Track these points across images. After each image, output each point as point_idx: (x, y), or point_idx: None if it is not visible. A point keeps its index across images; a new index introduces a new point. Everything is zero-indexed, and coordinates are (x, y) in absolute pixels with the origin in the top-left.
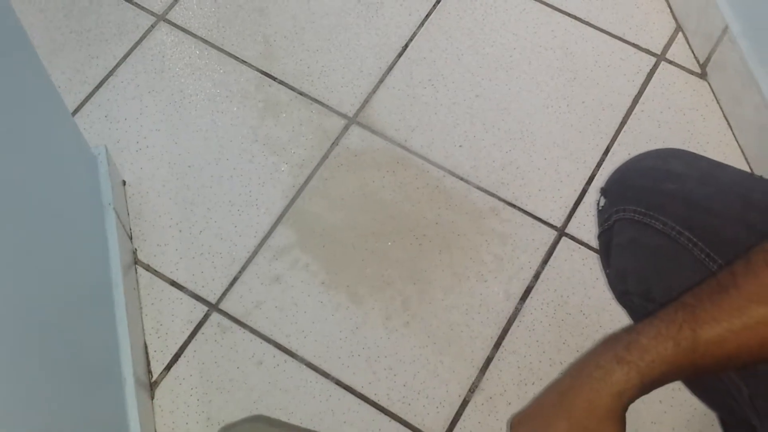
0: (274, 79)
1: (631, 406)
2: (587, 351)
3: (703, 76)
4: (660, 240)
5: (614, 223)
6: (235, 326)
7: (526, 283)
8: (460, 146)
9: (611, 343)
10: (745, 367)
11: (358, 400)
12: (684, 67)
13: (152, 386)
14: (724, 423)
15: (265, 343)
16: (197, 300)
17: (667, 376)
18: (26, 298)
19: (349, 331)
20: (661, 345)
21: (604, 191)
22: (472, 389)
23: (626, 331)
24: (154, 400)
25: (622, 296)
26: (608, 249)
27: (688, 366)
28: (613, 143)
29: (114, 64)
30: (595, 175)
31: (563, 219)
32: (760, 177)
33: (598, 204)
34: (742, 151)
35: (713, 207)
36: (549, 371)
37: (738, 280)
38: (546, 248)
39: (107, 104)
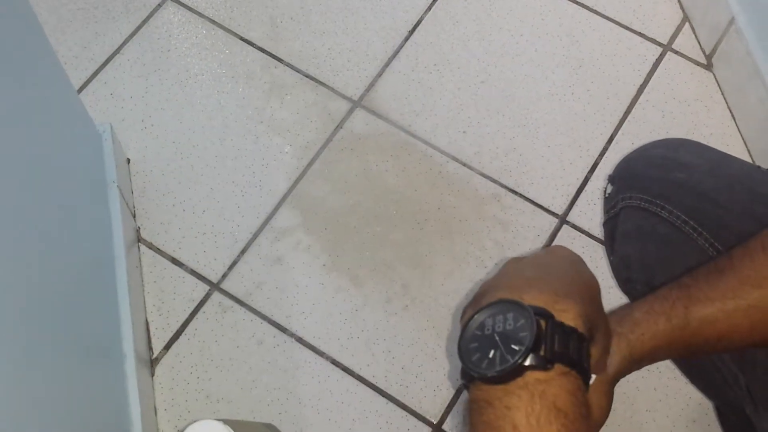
0: (280, 60)
1: (627, 394)
2: None
3: (708, 67)
4: (665, 228)
5: (620, 210)
6: (236, 306)
7: None
8: (464, 132)
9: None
10: (735, 349)
11: (356, 382)
12: (690, 57)
13: (152, 363)
14: (719, 412)
15: (265, 323)
16: (199, 279)
17: (658, 352)
18: (28, 273)
19: (348, 314)
20: (652, 320)
21: (612, 178)
22: None
23: (622, 307)
24: (154, 377)
25: (626, 283)
26: (613, 236)
27: (678, 343)
28: (617, 132)
29: (120, 42)
30: (598, 164)
31: (565, 207)
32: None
33: (604, 191)
34: (746, 144)
35: (720, 198)
36: None
37: (735, 262)
38: (547, 236)
39: (113, 82)
